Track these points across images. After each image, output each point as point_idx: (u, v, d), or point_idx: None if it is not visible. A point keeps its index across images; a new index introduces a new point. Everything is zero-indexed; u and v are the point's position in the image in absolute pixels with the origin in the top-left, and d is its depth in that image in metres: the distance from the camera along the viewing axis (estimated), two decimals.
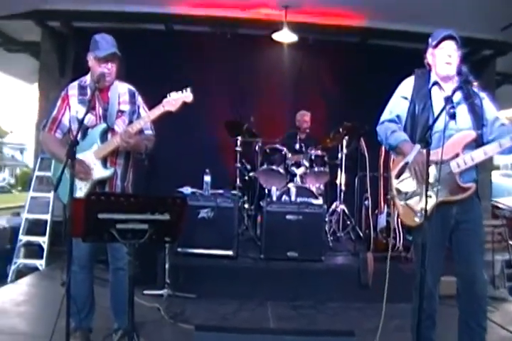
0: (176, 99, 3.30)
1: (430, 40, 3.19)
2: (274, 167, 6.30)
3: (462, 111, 3.11)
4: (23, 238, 6.31)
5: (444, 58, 3.09)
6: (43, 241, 6.23)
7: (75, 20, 7.36)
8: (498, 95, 8.53)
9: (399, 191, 3.21)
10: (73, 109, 3.42)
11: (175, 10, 7.07)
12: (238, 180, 6.53)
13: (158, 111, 3.33)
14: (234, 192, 5.84)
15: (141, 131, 3.51)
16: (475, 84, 3.00)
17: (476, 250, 3.11)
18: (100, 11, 6.94)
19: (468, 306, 3.07)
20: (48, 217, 6.36)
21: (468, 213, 3.11)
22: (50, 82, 7.62)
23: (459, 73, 3.06)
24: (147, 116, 3.39)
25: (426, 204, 2.75)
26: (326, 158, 6.50)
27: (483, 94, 3.20)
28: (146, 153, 3.64)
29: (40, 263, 6.07)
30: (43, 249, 6.18)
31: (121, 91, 3.54)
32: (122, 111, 3.50)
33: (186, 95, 3.32)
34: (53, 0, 6.68)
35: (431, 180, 2.89)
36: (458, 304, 3.13)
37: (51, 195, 6.28)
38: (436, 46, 3.13)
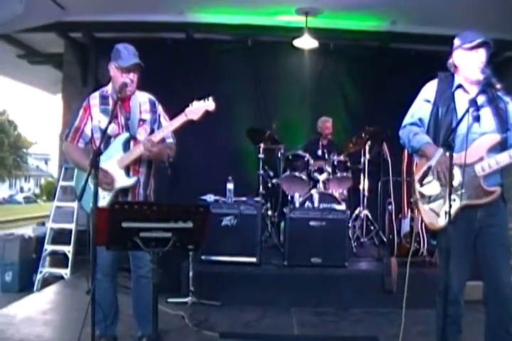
0: (199, 108, 3.34)
1: (459, 40, 3.15)
2: (296, 173, 6.32)
3: (486, 114, 3.08)
4: (49, 247, 6.41)
5: (477, 64, 3.06)
6: (68, 250, 6.32)
7: (96, 30, 7.51)
8: None
9: (422, 195, 3.19)
10: (95, 118, 3.47)
11: (194, 18, 7.15)
12: (261, 187, 6.54)
13: (181, 119, 3.37)
14: (257, 199, 5.83)
15: (162, 140, 3.54)
16: (498, 86, 2.97)
17: (502, 255, 3.06)
18: (121, 21, 7.03)
19: (495, 312, 3.02)
20: (72, 226, 6.44)
21: (493, 217, 3.07)
22: (73, 93, 7.76)
23: (483, 75, 3.03)
24: (170, 125, 3.42)
25: (450, 208, 2.74)
26: (348, 164, 6.49)
27: (507, 99, 3.16)
28: (169, 161, 3.68)
29: (66, 272, 6.16)
30: (67, 258, 6.27)
31: (141, 100, 3.58)
32: (144, 120, 3.54)
33: (208, 104, 3.36)
34: (75, 12, 6.79)
35: (455, 183, 2.87)
36: (485, 310, 3.10)
37: (75, 204, 6.37)
38: (470, 49, 3.09)
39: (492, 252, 3.06)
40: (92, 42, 7.67)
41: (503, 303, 3.00)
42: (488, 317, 3.08)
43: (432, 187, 3.13)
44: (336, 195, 6.24)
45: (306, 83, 7.88)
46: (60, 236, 6.50)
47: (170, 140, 3.64)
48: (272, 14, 7.04)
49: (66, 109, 7.90)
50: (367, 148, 6.60)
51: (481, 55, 3.07)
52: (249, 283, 5.01)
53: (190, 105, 3.36)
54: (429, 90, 3.25)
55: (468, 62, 3.11)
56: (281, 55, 7.80)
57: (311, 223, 5.26)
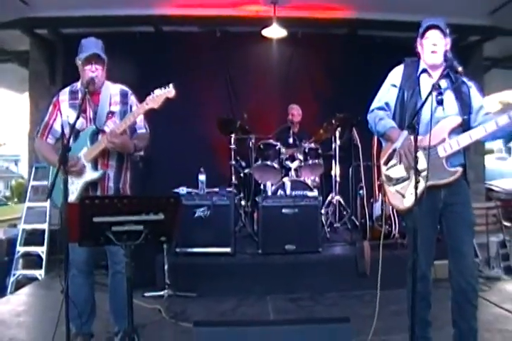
0: (159, 96, 3.31)
1: (419, 30, 3.23)
2: (268, 162, 6.35)
3: (449, 97, 3.17)
4: (21, 249, 6.28)
5: (430, 47, 3.14)
6: (42, 250, 6.21)
7: (63, 26, 7.37)
8: (488, 80, 8.63)
9: (388, 177, 3.27)
10: (64, 113, 3.46)
11: (162, 11, 7.09)
12: (233, 177, 6.57)
13: (141, 109, 3.36)
14: (229, 189, 5.85)
15: (133, 131, 3.55)
16: (460, 69, 3.03)
17: (465, 231, 3.18)
18: (87, 16, 6.92)
19: (458, 285, 3.14)
20: (45, 226, 6.34)
21: (456, 196, 3.17)
22: (41, 91, 7.64)
23: (445, 59, 3.11)
24: (132, 116, 3.39)
25: (416, 190, 2.81)
26: (319, 151, 6.54)
27: (470, 83, 3.25)
28: (139, 151, 3.67)
29: (40, 273, 6.04)
30: (41, 259, 6.16)
31: (113, 92, 3.57)
32: (113, 112, 3.52)
33: (169, 91, 3.32)
34: (39, 7, 6.69)
35: (419, 165, 2.95)
36: (450, 284, 3.21)
37: (47, 204, 6.26)
38: (422, 36, 3.18)
39: (456, 229, 3.17)
40: (58, 38, 7.54)
41: (467, 278, 3.11)
42: (453, 291, 3.19)
43: (397, 169, 3.21)
44: (308, 181, 6.30)
45: (276, 72, 7.89)
46: (33, 237, 6.39)
47: (142, 130, 3.61)
48: (240, 4, 7.02)
49: (34, 108, 7.76)
50: (337, 134, 6.66)
51: (432, 37, 3.14)
52: (224, 273, 5.04)
53: (151, 93, 3.34)
54: (396, 75, 3.33)
55: (424, 48, 3.20)
56: (250, 45, 7.78)
57: (284, 210, 5.31)
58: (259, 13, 7.14)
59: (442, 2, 6.03)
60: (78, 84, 3.54)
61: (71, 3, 6.61)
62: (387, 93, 3.33)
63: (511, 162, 23.13)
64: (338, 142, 6.68)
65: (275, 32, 7.19)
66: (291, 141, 6.82)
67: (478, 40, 7.92)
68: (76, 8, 6.74)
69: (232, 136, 6.57)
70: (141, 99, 3.63)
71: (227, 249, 5.21)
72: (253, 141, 6.72)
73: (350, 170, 6.28)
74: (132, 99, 3.62)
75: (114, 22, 7.15)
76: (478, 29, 7.46)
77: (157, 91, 3.33)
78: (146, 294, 4.76)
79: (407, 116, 3.16)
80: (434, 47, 3.13)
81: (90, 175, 3.41)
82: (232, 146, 6.57)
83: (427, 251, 3.12)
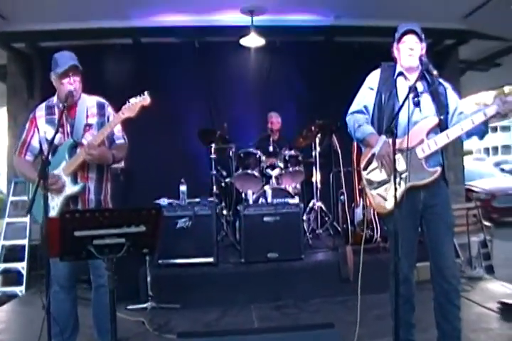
0: (134, 105, 3.30)
1: (396, 35, 3.30)
2: (249, 171, 6.37)
3: (426, 99, 3.24)
4: (1, 265, 6.14)
5: (406, 51, 3.22)
6: (22, 266, 6.09)
7: (41, 40, 7.33)
8: (464, 82, 8.78)
9: (369, 181, 3.32)
10: (41, 129, 3.43)
11: (139, 23, 7.09)
12: (215, 187, 6.56)
13: (118, 119, 3.34)
14: (211, 199, 5.84)
15: (112, 141, 3.54)
16: (435, 73, 3.10)
17: (445, 232, 3.23)
18: (65, 30, 6.89)
19: (440, 286, 3.19)
20: (25, 241, 6.23)
21: (436, 197, 3.23)
22: (19, 105, 7.57)
23: (420, 63, 3.17)
24: (108, 126, 3.37)
25: (395, 193, 2.86)
26: (300, 158, 6.58)
27: (447, 84, 3.34)
28: (118, 162, 3.64)
29: (20, 290, 5.91)
30: (22, 275, 6.03)
31: (89, 104, 3.54)
32: (90, 125, 3.49)
33: (144, 98, 3.31)
34: (16, 21, 6.65)
35: (398, 167, 2.99)
36: (432, 285, 3.26)
37: (27, 219, 6.19)
38: (399, 41, 3.26)
39: (436, 230, 3.22)
40: (36, 52, 7.47)
41: (448, 278, 3.16)
42: (435, 292, 3.25)
43: (377, 173, 3.26)
44: (289, 189, 6.34)
45: (255, 81, 7.92)
46: (13, 253, 6.26)
47: (120, 141, 3.60)
48: (217, 14, 7.05)
49: (12, 122, 7.68)
50: (317, 141, 6.69)
51: (408, 42, 3.22)
52: (207, 284, 5.03)
53: (127, 102, 3.32)
54: (373, 79, 3.40)
55: (401, 52, 3.27)
56: (228, 55, 7.82)
57: (265, 218, 5.32)
58: (237, 22, 7.17)
59: (417, 7, 6.14)
60: (54, 99, 3.52)
61: (49, 17, 6.57)
62: (365, 96, 3.39)
63: (489, 162, 23.41)
64: (318, 149, 6.71)
65: (253, 41, 7.23)
66: (271, 149, 6.83)
67: (454, 43, 8.04)
68: (54, 21, 6.71)
69: (213, 145, 6.57)
70: (119, 111, 3.65)
71: (210, 259, 5.20)
72: (233, 150, 6.72)
73: (331, 176, 6.33)
74: (109, 110, 3.60)
75: (92, 34, 7.12)
76: (453, 33, 7.59)
77: (132, 100, 3.31)
78: (129, 307, 4.73)
79: (385, 118, 3.23)
80: (410, 51, 3.21)
81: (70, 189, 3.38)
82: (213, 156, 6.57)
83: (408, 253, 3.16)
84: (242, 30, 7.10)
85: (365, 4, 6.50)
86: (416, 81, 3.12)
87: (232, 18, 7.14)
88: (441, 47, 8.02)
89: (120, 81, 7.14)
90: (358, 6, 6.59)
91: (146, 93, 3.33)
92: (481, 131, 3.17)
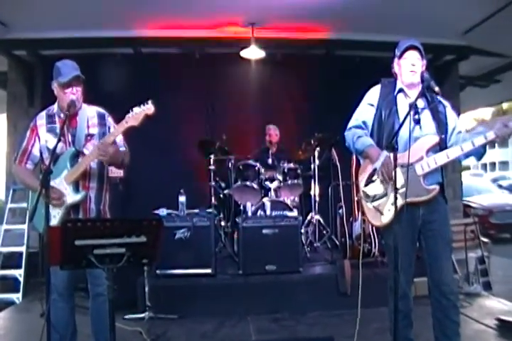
0: (138, 113, 3.30)
1: (396, 50, 3.35)
2: (247, 183, 6.37)
3: (426, 117, 3.27)
4: None
5: (408, 67, 3.24)
6: (19, 273, 6.06)
7: (42, 48, 7.35)
8: (463, 98, 8.84)
9: (366, 194, 3.34)
10: (42, 138, 3.44)
11: (141, 33, 7.14)
12: (213, 198, 6.55)
13: (121, 127, 3.34)
14: (209, 210, 5.85)
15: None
16: (436, 89, 3.13)
17: (443, 248, 3.25)
18: (66, 38, 6.92)
19: (438, 302, 3.22)
20: (23, 249, 6.21)
21: (434, 213, 3.25)
22: (19, 113, 7.60)
23: (422, 80, 3.19)
24: (112, 135, 3.38)
25: (396, 208, 2.88)
26: (298, 171, 6.58)
27: (446, 103, 3.38)
28: (124, 166, 3.67)
29: (17, 297, 5.88)
30: (19, 282, 6.00)
31: (90, 114, 3.56)
32: (91, 135, 3.51)
33: (148, 107, 3.32)
34: (18, 28, 6.67)
35: (397, 183, 3.01)
36: (430, 301, 3.27)
37: (25, 226, 6.19)
38: (400, 56, 3.29)
39: (434, 246, 3.25)
40: (37, 60, 7.51)
41: (446, 294, 3.18)
42: (432, 307, 3.27)
43: (375, 186, 3.28)
44: (288, 202, 6.33)
45: (255, 93, 7.91)
46: (10, 260, 6.25)
47: (122, 148, 3.61)
48: (218, 26, 7.09)
49: (12, 129, 7.71)
50: (316, 154, 6.68)
51: (411, 58, 3.26)
52: (205, 295, 5.03)
53: (130, 111, 3.33)
54: (373, 95, 3.42)
55: (402, 68, 3.30)
56: (229, 67, 7.83)
57: (264, 231, 5.32)
58: (238, 34, 7.23)
59: (418, 22, 6.19)
60: (54, 108, 3.53)
61: (50, 25, 6.60)
62: (365, 112, 3.41)
63: (487, 178, 23.49)
64: (317, 162, 6.71)
65: (254, 53, 7.26)
66: (270, 161, 6.84)
67: (454, 59, 8.12)
68: (55, 29, 6.73)
69: (212, 157, 6.57)
70: (120, 120, 3.65)
71: (208, 270, 5.20)
72: (232, 161, 6.75)
73: (330, 189, 6.34)
74: (110, 120, 3.62)
75: (93, 44, 7.17)
76: (453, 48, 7.68)
77: (136, 109, 3.32)
78: (127, 316, 4.73)
79: (385, 134, 3.25)
80: (412, 67, 3.24)
81: (72, 197, 3.39)
82: (212, 167, 6.56)
83: (406, 268, 3.18)
84: (243, 42, 7.15)
85: (366, 19, 6.56)
86: (417, 98, 3.15)
87: (233, 30, 7.19)
88: (441, 62, 8.09)
89: (120, 90, 7.14)
90: (358, 20, 6.64)
91: (149, 102, 3.34)
92: (479, 152, 3.21)
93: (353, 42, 7.49)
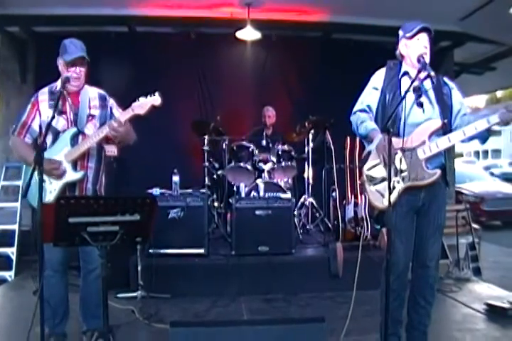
0: (145, 103, 3.32)
1: (402, 31, 3.30)
2: (241, 164, 6.38)
3: (430, 100, 3.24)
4: None
5: (421, 49, 3.19)
6: (12, 251, 6.06)
7: (36, 24, 7.24)
8: (457, 85, 8.80)
9: (369, 177, 3.33)
10: (44, 114, 3.43)
11: (136, 12, 7.03)
12: (207, 178, 6.54)
13: (127, 114, 3.35)
14: (203, 190, 5.83)
15: None
16: (432, 73, 3.11)
17: (433, 232, 3.27)
18: (60, 15, 6.82)
19: (418, 282, 3.28)
20: (15, 227, 6.19)
21: (434, 197, 3.25)
22: (12, 90, 7.51)
23: (419, 62, 3.14)
24: (122, 117, 3.37)
25: (390, 190, 2.86)
26: (292, 153, 6.60)
27: (452, 84, 3.35)
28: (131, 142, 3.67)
29: (10, 275, 5.89)
30: (11, 260, 6.00)
31: (91, 95, 3.57)
32: (93, 116, 3.53)
33: (155, 99, 3.33)
34: (11, 4, 6.55)
35: (399, 166, 3.00)
36: (411, 277, 3.34)
37: (18, 204, 6.17)
38: (411, 37, 3.23)
39: (425, 229, 3.27)
40: (30, 36, 7.40)
41: (426, 275, 3.26)
42: (411, 285, 3.33)
43: (378, 170, 3.27)
44: (281, 183, 6.34)
45: (250, 74, 7.90)
46: (3, 238, 6.22)
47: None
48: (214, 6, 7.00)
49: (4, 106, 7.60)
50: (310, 136, 6.68)
51: (422, 40, 3.22)
52: (198, 275, 5.05)
53: (137, 100, 3.34)
54: (378, 78, 3.38)
55: (412, 50, 3.24)
56: (224, 47, 7.78)
57: (257, 212, 5.33)
58: (233, 15, 7.15)
59: (414, 7, 6.13)
60: (58, 85, 3.51)
61: (44, 1, 6.51)
62: (369, 96, 3.38)
63: (479, 166, 23.60)
64: (311, 144, 6.71)
65: (249, 34, 7.20)
66: (264, 143, 6.84)
67: (449, 45, 8.09)
68: (49, 6, 6.62)
69: (206, 137, 6.55)
70: (113, 98, 3.69)
71: (201, 250, 5.22)
72: (226, 142, 6.73)
73: (323, 172, 6.32)
74: (111, 101, 3.65)
75: (87, 21, 7.07)
76: (448, 35, 7.60)
77: (143, 99, 3.33)
78: (119, 295, 4.73)
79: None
80: (425, 49, 3.20)
81: (71, 175, 3.41)
82: (206, 148, 6.54)
83: (407, 250, 3.21)
84: (239, 23, 7.07)
85: (363, 2, 6.49)
86: (421, 82, 3.12)
87: (229, 10, 7.11)
88: (436, 48, 8.03)
89: (114, 69, 7.08)
90: (356, 4, 6.57)
91: (157, 93, 3.35)
92: (483, 136, 3.17)
93: (350, 25, 7.40)
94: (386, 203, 3.16)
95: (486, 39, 7.73)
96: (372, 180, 3.30)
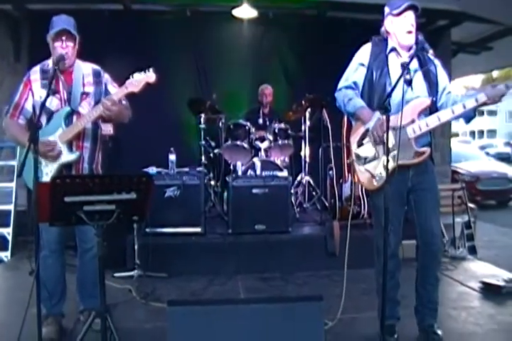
0: (139, 80, 3.27)
1: (388, 8, 3.25)
2: (238, 142, 6.35)
3: (418, 78, 3.21)
4: None
5: (407, 27, 3.16)
6: (7, 232, 6.01)
7: (28, 2, 7.05)
8: (454, 64, 8.76)
9: (358, 156, 3.32)
10: (36, 94, 3.37)
11: None
12: (203, 157, 6.50)
13: (121, 92, 3.31)
14: (199, 169, 5.83)
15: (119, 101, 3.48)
16: (431, 52, 3.08)
17: (432, 209, 3.29)
18: None
19: (426, 259, 3.29)
20: (11, 207, 6.13)
21: (423, 175, 3.26)
22: (5, 69, 7.37)
23: (416, 41, 3.11)
24: (115, 96, 3.33)
25: (387, 169, 2.85)
26: (289, 131, 6.56)
27: (437, 62, 3.30)
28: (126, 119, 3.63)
29: (6, 255, 5.86)
30: (7, 241, 5.96)
31: (85, 72, 3.50)
32: (87, 93, 3.47)
33: (149, 75, 3.28)
34: None
35: (389, 145, 2.99)
36: (417, 256, 3.38)
37: (13, 184, 6.11)
38: (398, 15, 3.18)
39: (424, 207, 3.27)
40: (24, 14, 7.22)
41: (433, 252, 3.26)
42: (419, 263, 3.34)
43: (367, 148, 3.26)
44: (278, 162, 6.34)
45: (246, 52, 7.81)
46: None
47: (124, 102, 3.55)
48: None
49: None
50: (307, 115, 6.67)
51: (409, 18, 3.17)
52: (194, 253, 5.05)
53: (130, 77, 3.29)
54: (364, 54, 3.34)
55: (399, 27, 3.21)
56: (220, 25, 7.68)
57: (254, 190, 5.33)
58: None
59: None
60: (49, 63, 3.45)
61: None
62: (355, 72, 3.34)
63: (475, 146, 23.65)
64: (307, 123, 6.70)
65: (246, 12, 7.12)
66: (261, 121, 6.81)
67: (447, 24, 8.00)
68: None
69: (202, 115, 6.49)
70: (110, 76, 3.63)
71: (198, 229, 5.22)
72: (223, 120, 6.70)
73: (320, 150, 6.31)
74: (106, 76, 3.58)
75: None
76: (446, 13, 7.52)
77: (137, 76, 3.28)
78: (116, 274, 4.74)
79: (376, 95, 3.21)
80: (411, 27, 3.15)
81: (66, 156, 3.37)
82: (202, 126, 6.49)
83: (395, 230, 3.20)
84: (235, 1, 6.97)
85: None
86: (411, 59, 3.08)
87: None
88: (433, 27, 7.96)
89: (108, 47, 6.99)
90: None
91: (151, 70, 3.30)
92: (469, 115, 3.19)
93: (346, 3, 7.28)
94: (376, 183, 3.17)
95: (484, 18, 7.62)
96: (361, 159, 3.30)
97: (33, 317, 2.70)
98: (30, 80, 3.41)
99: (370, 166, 3.25)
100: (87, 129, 3.45)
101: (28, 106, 3.41)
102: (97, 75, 3.53)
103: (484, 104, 3.01)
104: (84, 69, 3.52)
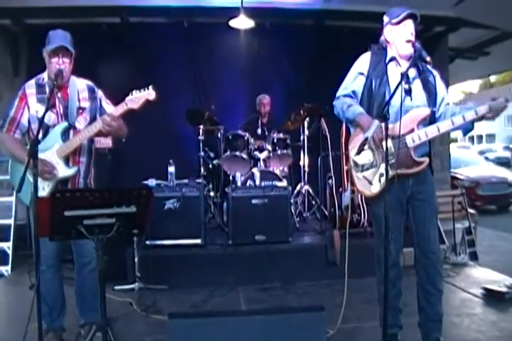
0: (139, 97, 3.29)
1: (388, 17, 3.26)
2: (237, 153, 6.36)
3: (417, 87, 3.22)
4: None
5: (407, 36, 3.16)
6: (8, 246, 5.98)
7: (27, 17, 7.12)
8: (452, 70, 8.80)
9: (356, 163, 3.32)
10: (32, 108, 3.37)
11: (129, 2, 6.95)
12: (202, 168, 6.54)
13: (121, 108, 3.33)
14: (199, 180, 5.83)
15: None
16: (428, 59, 3.08)
17: (430, 218, 3.28)
18: (52, 7, 6.72)
19: (425, 271, 3.25)
20: (11, 221, 6.10)
21: (422, 185, 3.26)
22: (4, 83, 7.38)
23: (414, 49, 3.11)
24: (115, 112, 3.35)
25: (387, 178, 2.85)
26: (288, 141, 6.58)
27: (435, 73, 3.32)
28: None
29: (6, 269, 5.82)
30: (7, 255, 5.93)
31: (80, 87, 3.51)
32: (83, 109, 3.48)
33: (149, 93, 3.31)
34: None
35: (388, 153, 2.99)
36: (416, 269, 3.31)
37: (13, 198, 6.08)
38: (397, 23, 3.19)
39: (422, 216, 3.26)
40: (22, 29, 7.27)
41: (433, 263, 3.23)
42: (418, 275, 3.30)
43: (365, 156, 3.26)
44: (277, 172, 6.34)
45: (244, 63, 7.83)
46: None
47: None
48: None
49: None
50: (306, 124, 6.68)
51: (409, 26, 3.18)
52: (195, 265, 5.05)
53: (130, 94, 3.31)
54: (363, 63, 3.33)
55: (398, 36, 3.21)
56: (217, 36, 7.71)
57: (254, 201, 5.33)
58: (226, 3, 7.06)
59: None
60: (44, 77, 3.45)
61: None
62: (354, 81, 3.34)
63: (474, 151, 23.65)
64: (306, 132, 6.71)
65: (243, 22, 7.12)
66: (259, 131, 6.84)
67: (443, 30, 8.04)
68: None
69: (201, 127, 6.52)
70: (107, 90, 3.67)
71: (198, 241, 5.22)
72: (221, 131, 6.70)
73: (319, 160, 6.31)
74: (100, 93, 3.60)
75: (80, 13, 6.95)
76: (443, 20, 7.57)
77: (136, 93, 3.31)
78: (117, 287, 4.74)
79: (376, 104, 3.20)
80: (411, 36, 3.16)
81: (64, 171, 3.38)
82: (201, 137, 6.52)
83: (396, 238, 3.19)
84: (232, 12, 6.99)
85: None
86: (408, 67, 3.09)
87: None
88: (431, 34, 8.01)
89: (107, 60, 7.04)
90: None
91: (150, 87, 3.33)
92: (467, 128, 3.22)
93: (343, 12, 7.36)
94: (374, 190, 3.18)
95: (480, 24, 7.68)
96: (358, 166, 3.30)
97: (33, 331, 2.69)
98: (25, 94, 3.41)
99: (368, 173, 3.25)
100: (83, 144, 3.46)
101: (24, 121, 3.40)
102: (91, 91, 3.55)
103: (483, 117, 3.03)
104: (79, 84, 3.53)
